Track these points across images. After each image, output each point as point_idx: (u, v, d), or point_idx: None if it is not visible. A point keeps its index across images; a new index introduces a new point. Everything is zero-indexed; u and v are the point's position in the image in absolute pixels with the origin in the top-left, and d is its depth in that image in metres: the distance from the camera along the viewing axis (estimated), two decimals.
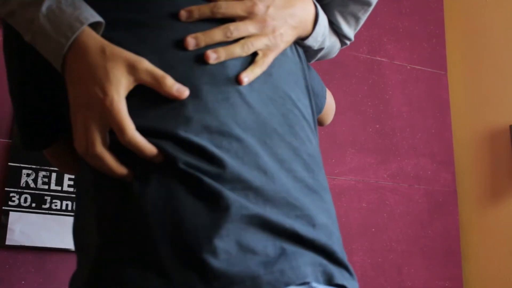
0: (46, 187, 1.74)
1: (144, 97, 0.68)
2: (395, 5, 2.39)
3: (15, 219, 1.68)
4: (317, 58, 0.96)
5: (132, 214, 0.67)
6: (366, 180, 2.17)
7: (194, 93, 0.69)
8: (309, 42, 0.87)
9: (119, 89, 0.66)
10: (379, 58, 2.31)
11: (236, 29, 0.74)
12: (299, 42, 0.87)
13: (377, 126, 2.24)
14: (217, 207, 0.66)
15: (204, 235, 0.65)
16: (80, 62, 0.68)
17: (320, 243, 0.73)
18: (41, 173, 1.74)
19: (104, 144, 0.67)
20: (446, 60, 2.43)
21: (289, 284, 0.67)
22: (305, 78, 0.84)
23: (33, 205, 1.71)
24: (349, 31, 0.99)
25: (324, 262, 0.73)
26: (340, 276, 0.74)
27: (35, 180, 1.73)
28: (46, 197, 1.73)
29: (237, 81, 0.73)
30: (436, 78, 2.40)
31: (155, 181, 0.66)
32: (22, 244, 1.67)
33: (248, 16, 0.75)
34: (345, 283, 0.74)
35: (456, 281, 2.20)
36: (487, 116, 2.26)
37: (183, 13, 0.73)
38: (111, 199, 0.69)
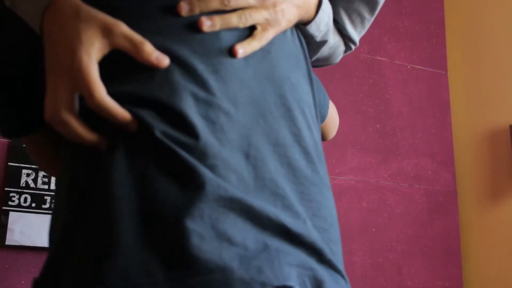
0: (46, 187, 1.74)
1: (127, 63, 0.64)
2: (395, 4, 2.39)
3: (15, 219, 1.68)
4: (319, 54, 0.90)
5: (99, 185, 0.61)
6: (366, 180, 2.17)
7: (182, 62, 0.64)
8: (312, 29, 0.81)
9: (90, 51, 0.61)
10: (380, 58, 2.31)
11: None
12: (301, 29, 0.81)
13: (378, 126, 2.24)
14: (191, 184, 0.59)
15: (172, 214, 0.58)
16: (54, 24, 0.64)
17: (311, 240, 0.65)
18: (41, 173, 1.74)
19: (71, 108, 0.62)
20: (446, 60, 2.43)
21: (265, 285, 0.59)
22: (307, 65, 0.78)
23: (33, 205, 1.71)
24: (353, 32, 0.94)
25: (315, 265, 0.65)
26: (332, 283, 0.66)
27: (35, 180, 1.73)
28: (46, 197, 1.73)
29: (231, 53, 0.67)
30: (436, 78, 2.40)
31: (125, 150, 0.61)
32: (22, 244, 1.67)
33: None
34: None
35: (456, 281, 2.20)
36: (487, 116, 2.26)
37: (182, 4, 0.68)
38: (83, 169, 0.64)
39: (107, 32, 0.62)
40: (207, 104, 0.63)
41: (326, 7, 0.83)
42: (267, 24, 0.71)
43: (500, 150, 2.19)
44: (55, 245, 0.65)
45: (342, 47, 0.96)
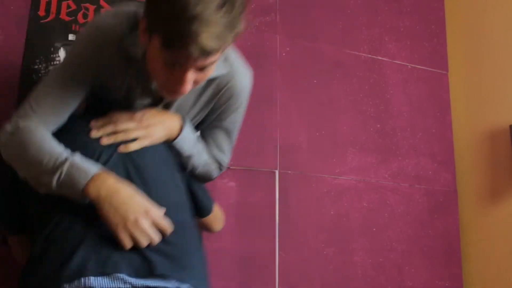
0: None
1: None
2: (395, 4, 2.39)
3: None
4: (190, 167, 1.34)
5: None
6: (366, 180, 2.17)
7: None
8: (178, 145, 1.29)
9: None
10: (380, 58, 2.31)
11: (121, 124, 1.22)
12: (171, 144, 1.28)
13: (378, 125, 2.24)
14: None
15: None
16: (113, 196, 1.10)
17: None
18: None
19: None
20: (447, 59, 2.43)
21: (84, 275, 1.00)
22: (176, 165, 1.28)
23: None
24: (217, 152, 1.40)
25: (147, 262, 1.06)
26: (163, 266, 1.05)
27: None
28: None
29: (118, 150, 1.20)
30: (436, 78, 2.40)
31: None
32: None
33: (131, 120, 1.24)
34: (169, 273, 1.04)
35: (456, 281, 2.20)
36: (487, 116, 2.26)
37: (93, 130, 1.22)
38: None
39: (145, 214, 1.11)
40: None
41: (188, 133, 1.30)
42: (143, 136, 1.22)
43: (500, 150, 2.19)
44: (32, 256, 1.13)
45: (214, 165, 1.41)
